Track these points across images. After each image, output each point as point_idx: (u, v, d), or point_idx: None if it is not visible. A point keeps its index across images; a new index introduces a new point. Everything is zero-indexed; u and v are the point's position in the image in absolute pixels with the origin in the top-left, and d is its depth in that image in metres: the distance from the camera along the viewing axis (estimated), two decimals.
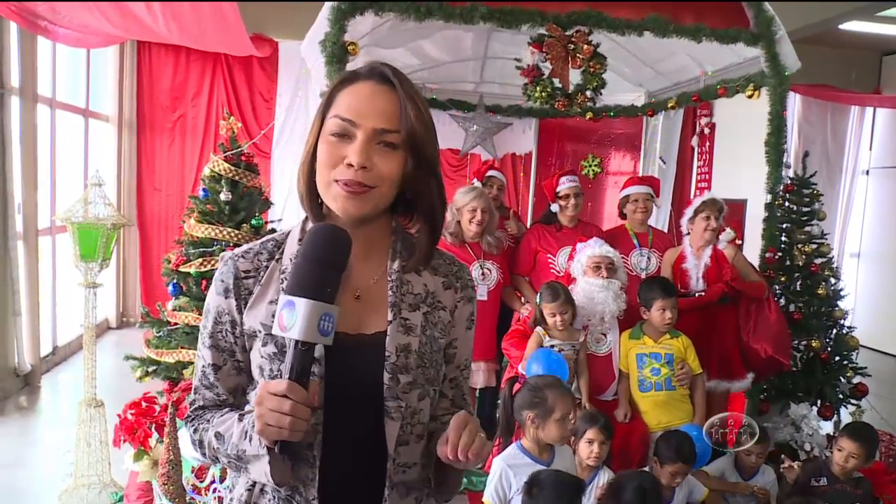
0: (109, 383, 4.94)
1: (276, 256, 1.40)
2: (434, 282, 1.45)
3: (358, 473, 1.37)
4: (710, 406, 4.09)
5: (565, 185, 4.52)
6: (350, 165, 1.27)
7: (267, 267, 1.39)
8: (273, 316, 1.32)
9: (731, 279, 4.05)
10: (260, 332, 1.35)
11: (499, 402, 4.05)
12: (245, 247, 1.43)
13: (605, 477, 3.24)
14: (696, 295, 4.18)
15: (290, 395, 1.17)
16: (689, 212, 4.31)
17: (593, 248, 3.97)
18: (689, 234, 4.32)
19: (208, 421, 1.39)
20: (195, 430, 1.41)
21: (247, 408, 1.43)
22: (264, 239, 1.45)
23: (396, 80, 1.33)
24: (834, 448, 3.48)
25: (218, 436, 1.34)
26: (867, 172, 9.51)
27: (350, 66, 3.89)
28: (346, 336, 1.32)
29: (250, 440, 1.27)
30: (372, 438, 1.35)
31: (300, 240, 1.40)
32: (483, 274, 4.32)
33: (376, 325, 1.37)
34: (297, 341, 1.19)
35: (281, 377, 1.27)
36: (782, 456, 3.75)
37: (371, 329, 1.37)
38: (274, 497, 1.34)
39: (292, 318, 1.19)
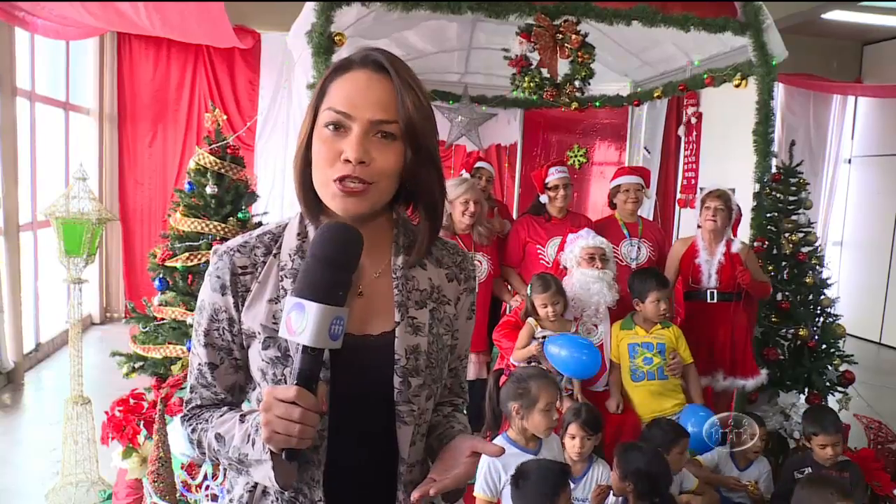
0: (94, 380, 4.88)
1: (274, 251, 1.34)
2: (438, 274, 1.41)
3: (365, 475, 1.33)
4: (718, 402, 4.12)
5: (555, 175, 4.50)
6: (347, 161, 1.22)
7: (264, 262, 1.33)
8: (273, 316, 1.29)
9: (743, 281, 4.07)
10: (259, 333, 1.30)
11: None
12: (239, 240, 1.36)
13: (599, 469, 3.23)
14: (708, 292, 4.21)
15: (298, 401, 1.12)
16: (697, 205, 4.33)
17: (586, 239, 3.97)
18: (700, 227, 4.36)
19: (207, 421, 1.34)
20: (193, 430, 1.36)
21: (245, 406, 1.39)
22: (258, 232, 1.38)
23: (392, 68, 1.27)
24: (813, 446, 3.50)
25: (218, 437, 1.29)
26: (849, 161, 9.58)
27: (336, 57, 3.86)
28: (351, 337, 1.25)
29: (253, 444, 1.22)
30: (379, 440, 1.32)
31: (299, 234, 1.35)
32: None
33: (382, 325, 1.32)
34: (305, 346, 1.14)
35: (286, 382, 1.23)
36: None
37: (377, 329, 1.32)
38: (277, 498, 1.31)
39: (302, 322, 1.13)
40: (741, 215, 4.42)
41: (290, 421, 1.12)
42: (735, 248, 4.21)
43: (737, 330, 4.23)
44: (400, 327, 1.31)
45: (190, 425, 1.37)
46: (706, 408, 3.74)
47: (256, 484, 1.33)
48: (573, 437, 3.23)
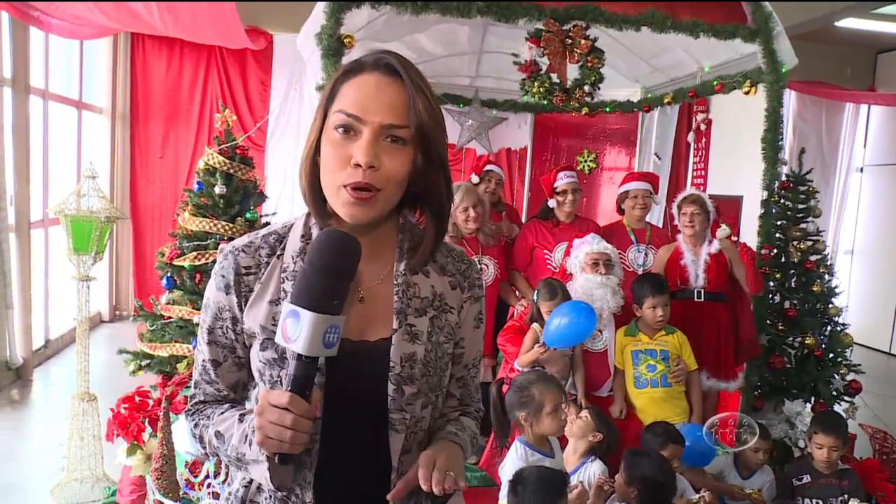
0: (102, 377, 4.91)
1: (278, 252, 1.35)
2: (442, 282, 1.39)
3: (358, 479, 1.34)
4: (705, 405, 4.10)
5: (563, 180, 4.50)
6: (357, 166, 1.21)
7: (267, 263, 1.34)
8: (273, 318, 1.29)
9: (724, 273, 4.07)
10: (258, 334, 1.31)
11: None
12: (245, 240, 1.37)
13: (593, 468, 3.22)
14: (695, 292, 4.19)
15: (291, 408, 1.13)
16: (674, 209, 4.33)
17: (591, 245, 3.96)
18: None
19: (208, 417, 1.36)
20: (195, 426, 1.38)
21: (247, 404, 1.41)
22: (264, 232, 1.39)
23: (404, 71, 1.25)
24: (811, 446, 3.50)
25: (218, 435, 1.31)
26: (861, 170, 9.51)
27: (345, 60, 3.87)
28: (348, 342, 1.26)
29: (250, 445, 1.24)
30: (372, 446, 1.32)
31: (303, 236, 1.35)
32: (480, 269, 4.30)
33: (381, 331, 1.32)
34: (300, 354, 1.14)
35: (282, 384, 1.23)
36: None
37: (375, 336, 1.32)
38: (270, 496, 1.32)
39: (297, 330, 1.13)
40: (719, 215, 4.41)
41: (282, 426, 1.13)
42: (714, 248, 4.19)
43: (721, 331, 4.20)
44: (397, 335, 1.31)
45: (193, 420, 1.39)
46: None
47: (252, 479, 1.34)
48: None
